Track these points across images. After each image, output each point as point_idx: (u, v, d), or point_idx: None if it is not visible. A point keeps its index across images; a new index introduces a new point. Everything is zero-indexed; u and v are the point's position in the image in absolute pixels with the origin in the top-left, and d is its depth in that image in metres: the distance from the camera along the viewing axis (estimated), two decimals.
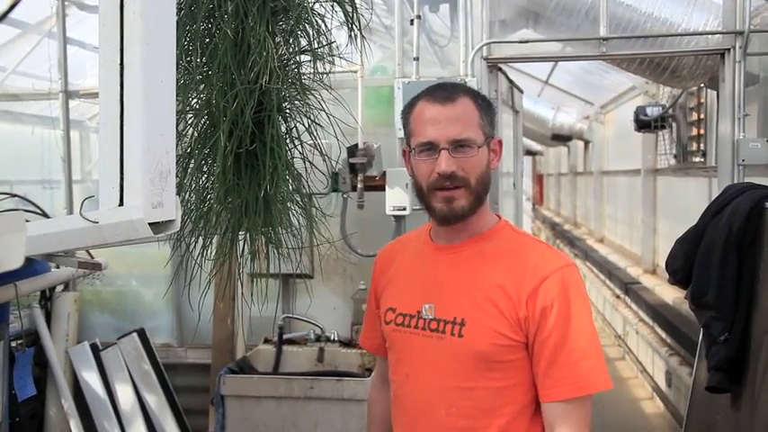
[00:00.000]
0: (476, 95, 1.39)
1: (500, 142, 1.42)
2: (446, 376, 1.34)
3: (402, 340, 1.41)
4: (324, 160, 1.85)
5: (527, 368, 1.32)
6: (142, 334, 3.44)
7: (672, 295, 4.97)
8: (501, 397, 1.32)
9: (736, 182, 2.98)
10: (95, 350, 3.37)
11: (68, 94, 3.62)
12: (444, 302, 1.36)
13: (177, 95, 1.45)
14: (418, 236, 1.52)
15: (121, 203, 1.28)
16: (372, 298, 1.57)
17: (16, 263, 1.21)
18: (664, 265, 2.61)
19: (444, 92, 1.37)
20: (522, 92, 4.42)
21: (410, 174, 1.42)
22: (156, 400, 3.32)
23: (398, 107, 3.25)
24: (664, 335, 4.93)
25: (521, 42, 3.25)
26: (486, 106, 1.39)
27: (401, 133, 3.21)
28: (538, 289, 1.29)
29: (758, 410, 2.10)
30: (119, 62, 1.26)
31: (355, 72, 3.26)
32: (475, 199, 1.35)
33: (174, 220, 1.37)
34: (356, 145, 3.20)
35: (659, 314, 4.98)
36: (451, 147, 1.32)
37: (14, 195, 3.22)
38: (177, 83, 1.44)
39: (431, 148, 1.34)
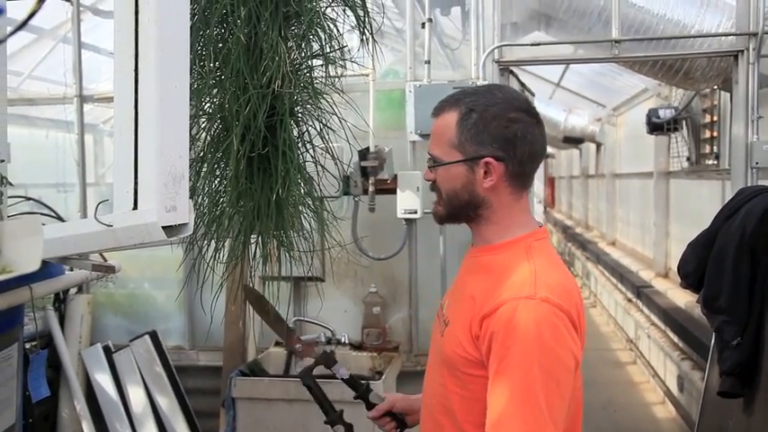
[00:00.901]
0: (464, 111, 1.31)
1: (492, 164, 1.30)
2: (435, 369, 1.41)
3: (432, 327, 1.50)
4: (335, 164, 1.86)
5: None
6: (154, 336, 3.46)
7: (684, 299, 4.94)
8: (466, 408, 1.30)
9: (749, 185, 2.97)
10: (108, 352, 3.39)
11: (83, 99, 3.65)
12: (451, 301, 1.42)
13: (191, 100, 1.47)
14: None
15: (135, 207, 1.29)
16: None
17: (33, 266, 1.22)
18: (676, 269, 2.60)
19: (439, 104, 1.38)
20: (533, 94, 4.42)
21: None
22: (167, 402, 3.34)
23: (410, 110, 3.26)
24: (676, 339, 4.90)
25: (532, 45, 3.25)
26: (473, 122, 1.30)
27: (413, 137, 3.26)
28: (493, 313, 1.22)
29: None
30: (133, 68, 1.28)
31: (367, 76, 3.27)
32: (446, 212, 1.38)
33: (187, 224, 1.38)
34: (367, 148, 3.21)
35: (671, 318, 4.95)
36: (429, 159, 1.39)
37: (29, 199, 3.25)
38: (190, 87, 1.46)
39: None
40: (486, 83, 3.18)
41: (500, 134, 1.30)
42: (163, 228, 1.29)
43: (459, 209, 1.37)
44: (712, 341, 2.62)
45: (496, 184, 1.31)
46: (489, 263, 1.35)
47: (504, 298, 1.22)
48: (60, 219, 3.27)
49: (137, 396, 3.31)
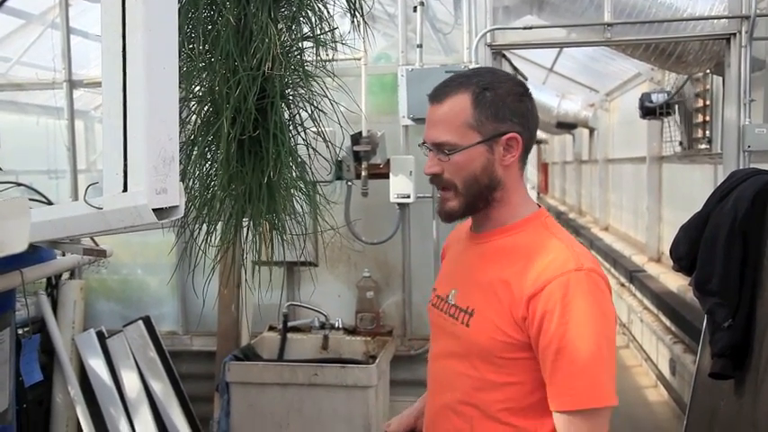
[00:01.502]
0: (477, 90, 1.30)
1: (515, 138, 1.32)
2: (454, 361, 1.36)
3: (433, 320, 1.46)
4: (327, 147, 1.85)
5: (533, 369, 1.26)
6: (148, 322, 3.46)
7: (676, 283, 4.97)
8: (500, 393, 1.30)
9: (741, 167, 2.97)
10: (101, 338, 3.39)
11: (72, 84, 3.62)
12: (464, 290, 1.39)
13: (180, 83, 1.46)
14: (468, 221, 1.52)
15: (125, 189, 1.28)
16: None
17: (20, 246, 1.22)
18: (668, 253, 2.61)
19: (441, 89, 1.34)
20: (526, 79, 4.41)
21: None
22: (161, 387, 3.34)
23: (402, 94, 3.24)
24: (668, 323, 4.93)
25: (525, 29, 3.23)
26: (490, 100, 1.30)
27: (405, 121, 3.25)
28: (540, 292, 1.23)
29: (761, 396, 2.11)
30: (121, 48, 1.27)
31: (359, 60, 3.25)
32: (466, 201, 1.33)
33: (177, 206, 1.37)
34: (360, 132, 3.20)
35: (664, 302, 4.98)
36: (435, 148, 1.33)
37: (20, 184, 3.23)
38: (180, 70, 1.44)
39: (427, 147, 1.36)
40: (479, 66, 3.17)
41: (517, 109, 1.33)
42: (153, 210, 1.28)
43: (478, 196, 1.33)
44: (704, 323, 2.64)
45: (514, 161, 1.34)
46: (510, 244, 1.34)
47: (550, 276, 1.23)
48: (51, 204, 3.26)
49: (131, 381, 3.32)
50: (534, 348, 1.25)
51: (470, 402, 1.33)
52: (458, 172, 1.31)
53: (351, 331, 3.30)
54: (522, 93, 1.35)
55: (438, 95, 1.33)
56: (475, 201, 1.34)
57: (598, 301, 1.22)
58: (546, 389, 1.25)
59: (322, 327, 3.29)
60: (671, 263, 2.59)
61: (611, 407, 1.22)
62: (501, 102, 1.31)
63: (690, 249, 2.42)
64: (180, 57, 1.45)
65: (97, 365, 3.32)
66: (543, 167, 17.27)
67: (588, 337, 1.20)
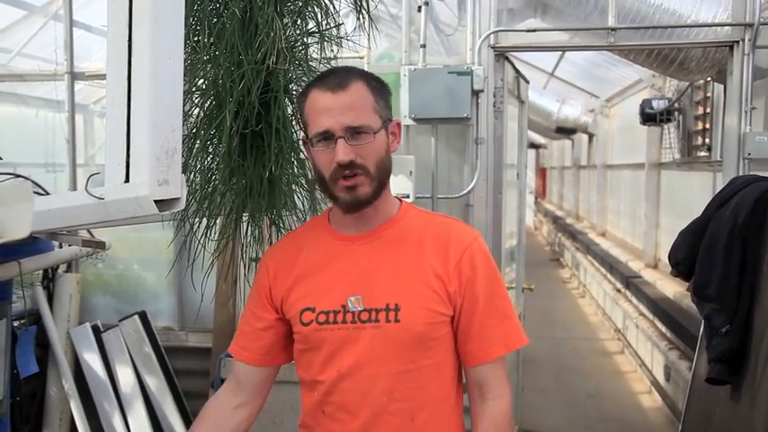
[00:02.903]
0: (369, 78, 1.36)
1: (398, 124, 1.42)
2: (386, 363, 1.32)
3: (330, 338, 1.35)
4: None
5: (451, 341, 1.39)
6: (143, 317, 3.45)
7: (673, 289, 4.97)
8: (435, 372, 1.37)
9: (741, 175, 2.98)
10: (97, 332, 3.39)
11: (74, 75, 3.61)
12: (373, 291, 1.34)
13: (184, 75, 1.45)
14: (315, 230, 1.47)
15: (127, 180, 1.27)
16: (263, 302, 1.45)
17: (23, 233, 1.21)
18: (666, 259, 2.61)
19: (336, 78, 1.33)
20: (528, 82, 4.41)
21: (311, 164, 1.39)
22: (156, 383, 3.33)
23: (404, 94, 3.24)
24: (663, 329, 4.93)
25: (528, 31, 3.24)
26: (380, 88, 1.37)
27: (407, 121, 3.24)
28: (461, 260, 1.36)
29: (758, 402, 2.11)
30: (127, 38, 1.26)
31: (362, 58, 3.25)
32: (377, 185, 1.34)
33: (179, 199, 1.36)
34: None
35: (660, 308, 4.98)
36: (347, 134, 1.30)
37: (18, 176, 3.22)
38: (184, 62, 1.44)
39: (327, 137, 1.31)
40: (481, 68, 3.17)
41: (389, 99, 1.40)
42: (155, 201, 1.27)
43: (384, 178, 1.37)
44: (701, 329, 2.64)
45: (396, 147, 1.42)
46: (403, 234, 1.40)
47: (463, 246, 1.38)
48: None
49: (125, 376, 3.31)
50: (456, 316, 1.37)
51: (406, 396, 1.33)
52: (370, 155, 1.32)
53: None
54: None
55: (340, 83, 1.32)
56: (381, 185, 1.36)
57: (492, 259, 1.43)
58: (464, 348, 1.39)
59: None
60: (667, 269, 2.59)
61: None
62: (385, 90, 1.40)
63: (688, 254, 2.42)
64: (184, 49, 1.44)
65: (92, 359, 3.32)
66: (541, 172, 17.29)
67: (504, 290, 1.42)
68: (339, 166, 1.29)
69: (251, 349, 1.47)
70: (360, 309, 1.34)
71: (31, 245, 2.09)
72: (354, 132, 1.30)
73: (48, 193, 3.23)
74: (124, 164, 1.27)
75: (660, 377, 4.82)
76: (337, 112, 1.30)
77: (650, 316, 5.34)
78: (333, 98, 1.31)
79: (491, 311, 1.37)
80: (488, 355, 1.37)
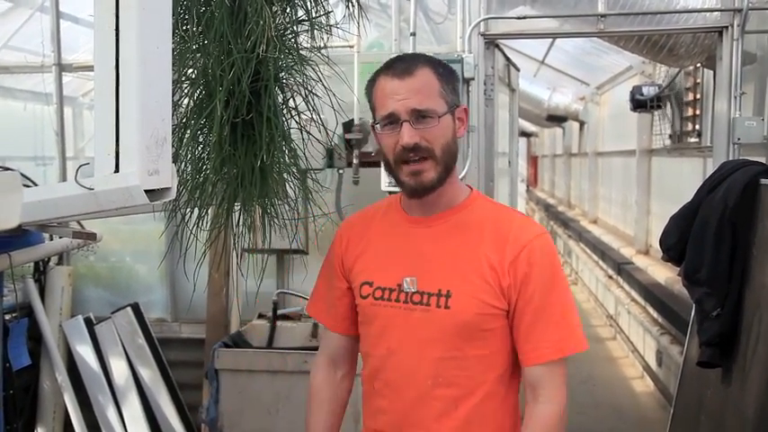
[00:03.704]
0: (436, 64, 1.38)
1: (465, 110, 1.42)
2: (432, 347, 1.35)
3: (383, 314, 1.40)
4: (319, 132, 1.84)
5: (506, 336, 1.36)
6: (136, 308, 3.45)
7: (664, 275, 5.00)
8: (484, 364, 1.35)
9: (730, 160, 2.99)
10: (89, 324, 3.38)
11: (62, 67, 3.58)
12: (427, 275, 1.37)
13: (173, 65, 1.44)
14: (388, 208, 1.51)
15: (117, 170, 1.27)
16: (336, 272, 1.52)
17: (11, 223, 1.20)
18: (657, 245, 2.62)
19: (403, 64, 1.36)
20: (518, 70, 4.41)
21: (379, 148, 1.42)
22: (150, 375, 3.33)
23: None
24: (655, 314, 4.96)
25: (518, 18, 3.23)
26: (447, 74, 1.38)
27: None
28: (519, 256, 1.33)
29: (748, 385, 2.13)
30: (114, 27, 1.25)
31: (352, 47, 3.24)
32: (443, 170, 1.35)
33: (169, 188, 1.36)
34: (352, 120, 3.19)
35: (651, 294, 5.01)
36: (413, 118, 1.32)
37: (7, 169, 3.20)
38: (173, 52, 1.43)
39: (393, 120, 1.34)
40: (471, 56, 3.16)
41: (457, 86, 1.41)
42: (145, 191, 1.27)
43: (450, 165, 1.37)
44: (692, 314, 2.66)
45: (462, 134, 1.41)
46: (465, 222, 1.39)
47: (523, 241, 1.34)
48: None
49: (119, 368, 3.30)
50: (511, 312, 1.35)
51: (451, 383, 1.34)
52: (437, 139, 1.33)
53: None
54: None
55: (407, 69, 1.34)
56: (447, 170, 1.36)
57: (558, 259, 1.39)
58: (518, 347, 1.36)
59: None
60: (659, 255, 2.60)
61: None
62: (453, 77, 1.40)
63: (679, 239, 2.43)
64: (173, 38, 1.43)
65: (85, 352, 3.31)
66: (533, 160, 17.31)
67: (563, 292, 1.36)
68: (404, 148, 1.32)
69: (335, 318, 1.54)
70: (413, 290, 1.37)
71: (22, 237, 2.08)
72: (420, 116, 1.33)
73: (36, 186, 3.22)
74: (114, 154, 1.26)
75: (652, 362, 4.86)
76: (403, 96, 1.32)
77: (642, 302, 5.37)
78: (399, 83, 1.34)
79: (545, 312, 1.33)
80: (540, 356, 1.34)
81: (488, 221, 1.38)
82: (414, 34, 3.27)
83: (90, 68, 3.34)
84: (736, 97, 3.07)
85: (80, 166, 1.33)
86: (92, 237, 2.05)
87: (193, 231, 1.72)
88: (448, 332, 1.34)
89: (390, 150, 1.35)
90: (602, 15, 3.17)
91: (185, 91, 1.69)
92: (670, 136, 5.24)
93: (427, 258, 1.38)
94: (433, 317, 1.35)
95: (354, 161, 3.22)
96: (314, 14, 1.68)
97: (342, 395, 1.56)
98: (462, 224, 1.39)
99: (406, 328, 1.37)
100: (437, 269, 1.37)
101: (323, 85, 1.75)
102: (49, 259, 3.37)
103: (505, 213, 1.43)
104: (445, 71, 1.38)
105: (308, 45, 1.71)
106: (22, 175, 3.18)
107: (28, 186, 3.05)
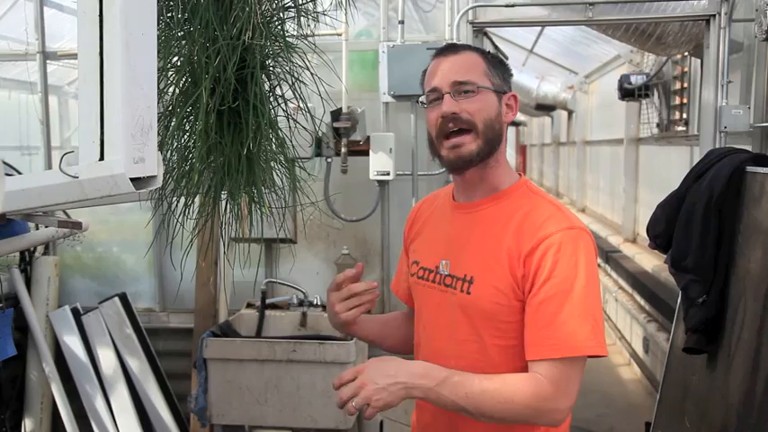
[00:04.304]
0: (485, 52, 1.43)
1: (515, 97, 1.43)
2: (456, 329, 1.39)
3: (422, 293, 1.47)
4: (307, 120, 1.83)
5: None
6: (124, 298, 3.43)
7: (651, 263, 5.04)
8: (507, 355, 1.35)
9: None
10: (76, 314, 3.36)
11: (46, 55, 3.54)
12: (458, 260, 1.40)
13: (158, 52, 1.42)
14: (446, 192, 1.54)
15: (102, 158, 1.25)
16: (406, 248, 1.62)
17: None
18: (645, 233, 2.63)
19: (452, 47, 1.42)
20: (507, 58, 4.40)
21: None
22: (138, 365, 3.32)
23: (383, 71, 3.22)
24: (642, 302, 5.00)
25: (507, 6, 3.22)
26: (496, 62, 1.41)
27: (386, 98, 3.23)
28: (536, 249, 1.29)
29: (733, 370, 2.15)
30: (98, 12, 1.23)
31: (340, 35, 3.22)
32: (484, 144, 1.35)
33: (155, 176, 1.35)
34: (340, 109, 3.18)
35: (638, 281, 5.04)
36: (453, 90, 1.35)
37: None
38: (158, 39, 1.41)
39: (437, 96, 1.37)
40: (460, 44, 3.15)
41: (509, 77, 1.43)
42: (131, 179, 1.26)
43: (493, 142, 1.37)
44: (678, 301, 2.68)
45: (510, 120, 1.42)
46: (502, 211, 1.38)
47: (545, 233, 1.30)
48: None
49: (107, 358, 3.29)
50: (525, 305, 1.31)
51: (474, 367, 1.34)
52: (478, 112, 1.35)
53: None
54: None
55: (453, 48, 1.40)
56: (490, 146, 1.36)
57: (586, 257, 1.29)
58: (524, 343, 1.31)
59: (300, 304, 3.28)
60: (646, 243, 2.62)
61: (586, 357, 1.29)
62: (503, 67, 1.43)
63: (666, 227, 2.44)
64: (158, 25, 1.41)
65: (72, 342, 3.29)
66: (521, 149, 17.34)
67: (577, 290, 1.26)
68: (443, 119, 1.34)
69: (400, 287, 1.64)
70: (446, 273, 1.41)
71: (6, 227, 2.06)
72: (461, 89, 1.35)
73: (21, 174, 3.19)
74: (98, 142, 1.25)
75: (639, 349, 4.90)
76: (446, 71, 1.37)
77: (629, 289, 5.41)
78: (444, 60, 1.39)
79: (548, 309, 1.26)
80: (537, 353, 1.27)
81: (521, 211, 1.35)
82: (402, 22, 3.26)
83: (75, 56, 3.30)
84: (722, 86, 3.09)
85: (64, 154, 1.31)
86: (78, 226, 2.03)
87: (180, 220, 1.71)
88: (470, 317, 1.36)
89: (433, 124, 1.38)
90: (591, 3, 3.17)
91: (171, 79, 1.67)
92: (657, 124, 5.27)
93: (461, 244, 1.41)
94: (458, 301, 1.38)
95: (343, 150, 3.21)
96: (300, 1, 1.67)
97: (401, 327, 1.64)
98: (499, 212, 1.38)
99: (437, 308, 1.43)
100: (467, 255, 1.39)
101: (310, 72, 1.74)
102: (35, 249, 3.34)
103: (542, 205, 1.36)
104: (494, 59, 1.41)
105: (295, 32, 1.70)
106: (6, 163, 3.16)
107: (11, 175, 3.03)
